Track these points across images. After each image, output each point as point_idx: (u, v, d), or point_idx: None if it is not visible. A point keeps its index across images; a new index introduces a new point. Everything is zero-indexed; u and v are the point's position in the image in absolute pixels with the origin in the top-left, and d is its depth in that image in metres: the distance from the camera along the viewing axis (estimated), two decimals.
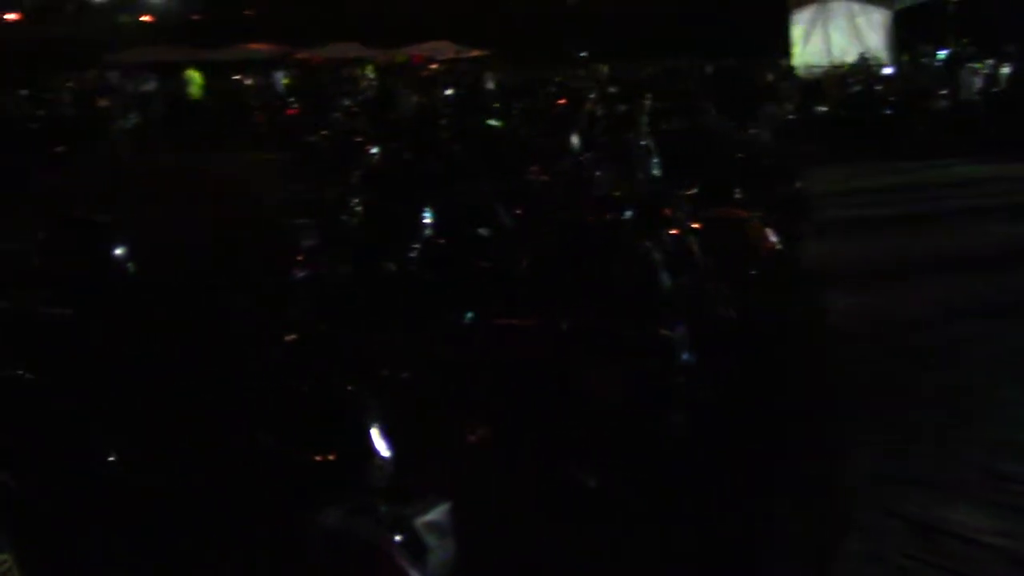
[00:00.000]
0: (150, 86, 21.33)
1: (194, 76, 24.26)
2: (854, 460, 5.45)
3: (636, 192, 6.78)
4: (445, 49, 41.43)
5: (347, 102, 17.39)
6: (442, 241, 4.91)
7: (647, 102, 12.10)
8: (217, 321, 3.48)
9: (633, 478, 4.02)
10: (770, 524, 4.56)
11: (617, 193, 6.86)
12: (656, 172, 8.33)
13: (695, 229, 7.39)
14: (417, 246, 4.47)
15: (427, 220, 4.63)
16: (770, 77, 17.80)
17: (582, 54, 14.04)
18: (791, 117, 18.34)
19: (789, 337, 6.63)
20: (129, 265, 3.38)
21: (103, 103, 20.45)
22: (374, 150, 9.66)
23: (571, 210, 5.80)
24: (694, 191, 8.53)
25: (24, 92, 21.22)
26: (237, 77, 32.33)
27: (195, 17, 65.31)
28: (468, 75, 27.31)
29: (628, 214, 5.50)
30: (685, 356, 4.16)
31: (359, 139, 14.68)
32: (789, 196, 8.52)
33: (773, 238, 7.75)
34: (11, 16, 70.50)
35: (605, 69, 22.72)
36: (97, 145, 19.34)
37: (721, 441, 4.53)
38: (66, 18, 69.25)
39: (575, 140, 7.93)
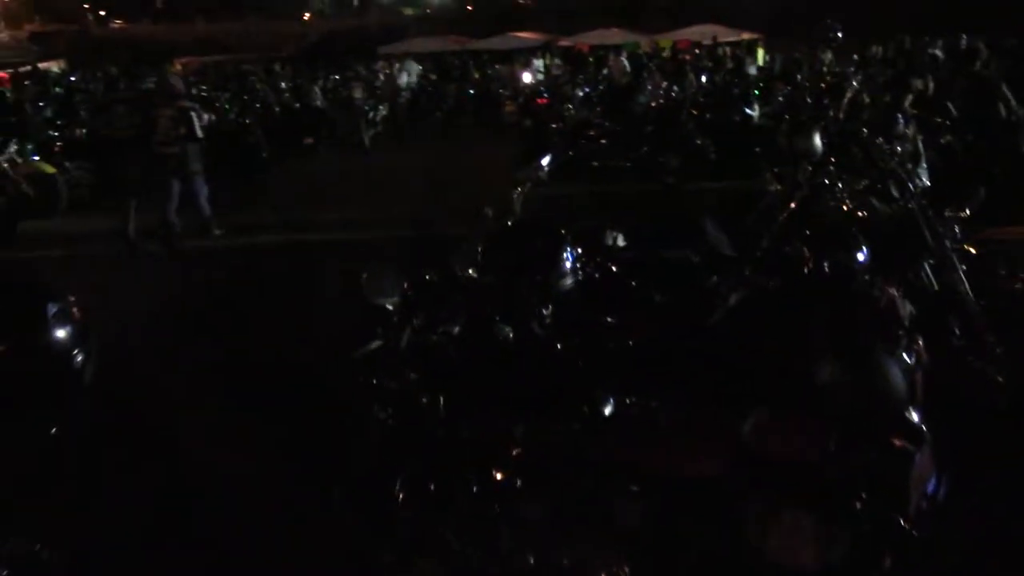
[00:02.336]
0: (402, 80, 21.10)
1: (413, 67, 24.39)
2: None
3: (889, 214, 5.25)
4: (712, 32, 39.54)
5: (584, 91, 16.20)
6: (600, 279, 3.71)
7: (919, 87, 10.16)
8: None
9: None
10: None
11: (862, 213, 5.37)
12: (923, 180, 6.64)
13: (970, 257, 5.77)
14: (551, 302, 3.27)
15: (568, 263, 3.42)
16: None
17: (839, 33, 12.13)
18: None
19: None
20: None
21: (356, 95, 20.50)
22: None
23: (787, 242, 4.41)
24: (973, 205, 6.83)
25: (285, 84, 21.73)
26: (499, 66, 32.08)
27: (469, 8, 67.26)
28: (729, 60, 25.48)
29: (865, 252, 4.01)
30: (931, 487, 2.76)
31: (592, 132, 13.62)
32: None
33: None
34: (307, 15, 75.82)
35: (879, 50, 20.23)
36: (346, 137, 19.47)
37: None
38: (351, 13, 73.37)
39: (817, 140, 6.39)
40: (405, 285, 3.14)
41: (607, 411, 3.05)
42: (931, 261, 5.06)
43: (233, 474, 4.49)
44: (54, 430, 2.41)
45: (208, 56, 49.72)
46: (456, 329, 3.15)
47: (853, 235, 3.94)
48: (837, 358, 2.74)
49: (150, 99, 11.04)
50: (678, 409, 3.09)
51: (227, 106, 18.25)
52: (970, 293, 4.94)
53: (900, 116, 5.50)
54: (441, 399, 3.16)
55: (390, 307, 2.99)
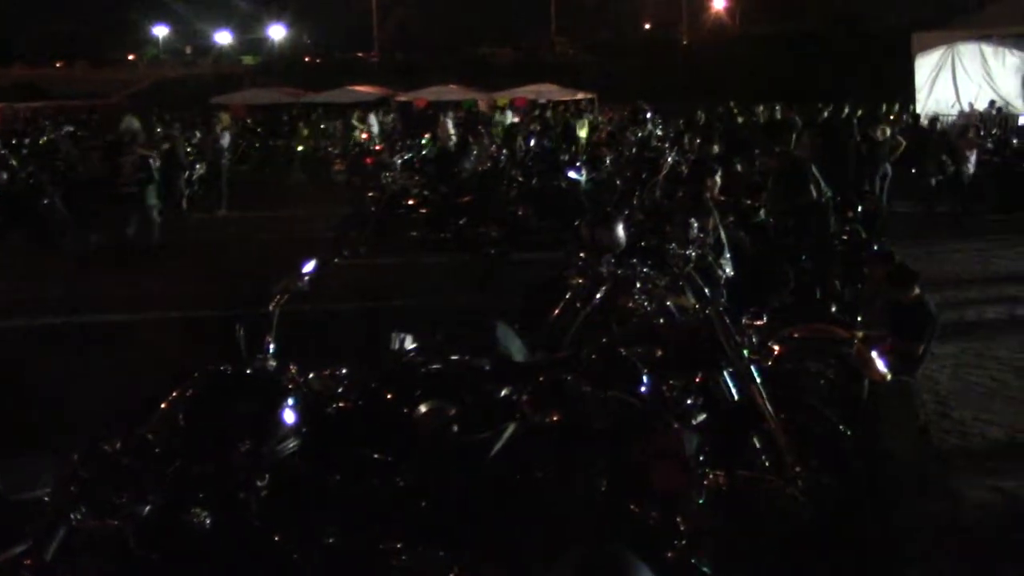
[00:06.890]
0: (224, 140, 19.60)
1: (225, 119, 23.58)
2: None
3: (686, 319, 4.96)
4: (550, 91, 40.13)
5: (406, 156, 15.63)
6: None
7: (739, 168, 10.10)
8: None
9: None
10: None
11: (661, 320, 5.06)
12: (726, 270, 6.42)
13: (773, 356, 5.54)
14: (266, 473, 2.70)
15: (292, 422, 2.86)
16: (887, 130, 15.43)
17: (648, 115, 12.19)
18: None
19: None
20: None
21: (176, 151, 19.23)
22: None
23: (567, 363, 4.00)
24: (779, 299, 6.69)
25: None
26: (327, 123, 31.23)
27: (307, 59, 66.17)
28: (559, 121, 25.65)
29: (648, 384, 3.63)
30: None
31: (411, 202, 13.10)
32: (905, 306, 6.52)
33: (883, 367, 5.80)
34: (131, 56, 72.93)
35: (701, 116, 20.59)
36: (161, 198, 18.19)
37: None
38: (185, 60, 70.98)
39: (620, 231, 6.08)
40: (77, 457, 2.53)
41: None
42: (730, 369, 4.77)
43: None
44: None
45: (26, 102, 46.87)
46: (145, 511, 2.55)
47: (637, 367, 3.55)
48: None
49: None
50: None
51: (14, 162, 16.29)
52: (768, 406, 4.65)
53: (694, 221, 5.23)
54: None
55: (45, 499, 2.38)
